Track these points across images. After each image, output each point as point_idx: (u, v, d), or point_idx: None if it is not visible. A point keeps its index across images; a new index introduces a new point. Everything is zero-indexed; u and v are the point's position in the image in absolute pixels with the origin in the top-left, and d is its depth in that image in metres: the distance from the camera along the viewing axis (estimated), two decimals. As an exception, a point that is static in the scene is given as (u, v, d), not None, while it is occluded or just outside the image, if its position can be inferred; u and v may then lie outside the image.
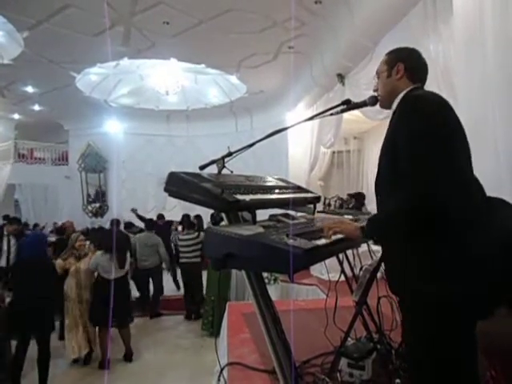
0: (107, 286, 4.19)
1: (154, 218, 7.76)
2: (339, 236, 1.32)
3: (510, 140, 2.31)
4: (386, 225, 1.26)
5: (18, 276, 3.87)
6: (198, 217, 6.98)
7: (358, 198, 6.78)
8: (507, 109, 2.33)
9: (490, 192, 1.33)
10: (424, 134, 1.17)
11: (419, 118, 1.21)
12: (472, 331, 1.23)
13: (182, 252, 6.17)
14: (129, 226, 7.87)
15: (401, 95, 1.39)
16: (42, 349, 3.83)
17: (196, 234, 6.13)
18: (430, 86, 1.46)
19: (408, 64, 1.41)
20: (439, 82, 3.33)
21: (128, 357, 4.66)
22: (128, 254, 4.74)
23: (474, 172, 1.30)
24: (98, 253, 4.45)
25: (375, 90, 1.51)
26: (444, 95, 1.32)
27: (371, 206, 6.58)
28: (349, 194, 7.59)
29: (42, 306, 3.72)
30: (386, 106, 1.49)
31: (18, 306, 3.71)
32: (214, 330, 4.95)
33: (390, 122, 1.39)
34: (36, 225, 9.95)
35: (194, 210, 6.84)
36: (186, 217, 6.77)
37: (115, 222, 6.57)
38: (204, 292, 5.72)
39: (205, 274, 5.72)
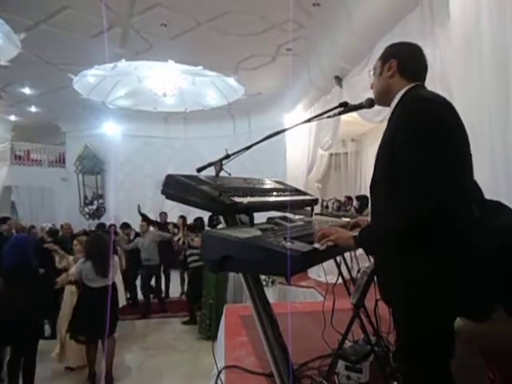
0: (91, 295, 3.96)
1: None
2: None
3: (507, 144, 2.32)
4: (383, 233, 1.22)
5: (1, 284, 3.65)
6: (199, 219, 6.96)
7: (362, 201, 6.73)
8: (504, 113, 2.34)
9: (487, 195, 1.33)
10: (423, 138, 1.14)
11: (418, 122, 1.17)
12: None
13: (190, 255, 6.14)
14: (124, 227, 7.79)
15: (399, 94, 1.33)
16: (27, 359, 3.63)
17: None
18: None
19: (401, 60, 1.34)
20: (436, 86, 3.33)
21: (108, 379, 4.10)
22: (115, 261, 4.32)
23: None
24: (81, 260, 4.19)
25: (372, 87, 1.47)
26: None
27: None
28: (346, 197, 7.57)
29: (26, 317, 3.48)
30: (380, 103, 1.46)
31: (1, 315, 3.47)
32: (211, 334, 4.92)
33: (389, 122, 1.34)
34: (32, 227, 9.89)
35: (193, 212, 6.84)
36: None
37: (112, 229, 6.60)
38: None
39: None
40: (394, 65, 1.34)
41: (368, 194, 1.42)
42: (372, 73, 1.46)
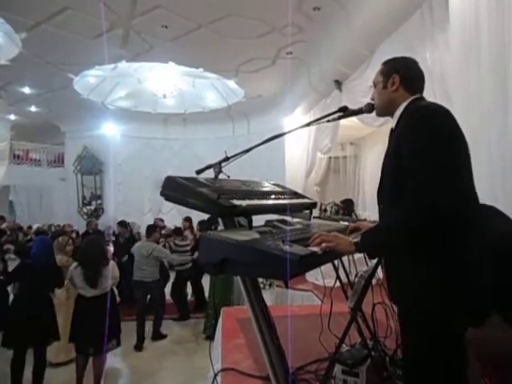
0: (81, 304, 3.71)
1: (151, 222, 7.74)
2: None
3: (505, 148, 2.33)
4: (387, 237, 1.24)
5: (21, 281, 3.68)
6: (203, 222, 6.92)
7: (347, 205, 6.71)
8: (502, 117, 2.36)
9: (485, 201, 1.34)
10: (430, 145, 1.18)
11: (425, 129, 1.22)
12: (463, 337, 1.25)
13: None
14: (124, 224, 7.64)
15: (402, 106, 1.40)
16: (39, 358, 3.65)
17: (188, 241, 6.47)
18: (426, 94, 1.47)
19: (403, 75, 1.42)
20: (435, 90, 3.36)
21: None
22: (107, 270, 3.82)
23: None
24: (74, 264, 3.88)
25: (372, 99, 1.53)
26: (439, 103, 1.34)
27: (361, 211, 6.54)
28: (338, 202, 7.55)
29: (43, 315, 3.54)
30: (382, 115, 1.51)
31: (17, 313, 3.54)
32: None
33: (393, 132, 1.40)
34: (30, 227, 9.87)
35: (190, 214, 6.86)
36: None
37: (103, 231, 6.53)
38: (206, 295, 5.89)
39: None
40: (397, 79, 1.42)
41: (362, 197, 1.43)
42: (373, 86, 1.51)
